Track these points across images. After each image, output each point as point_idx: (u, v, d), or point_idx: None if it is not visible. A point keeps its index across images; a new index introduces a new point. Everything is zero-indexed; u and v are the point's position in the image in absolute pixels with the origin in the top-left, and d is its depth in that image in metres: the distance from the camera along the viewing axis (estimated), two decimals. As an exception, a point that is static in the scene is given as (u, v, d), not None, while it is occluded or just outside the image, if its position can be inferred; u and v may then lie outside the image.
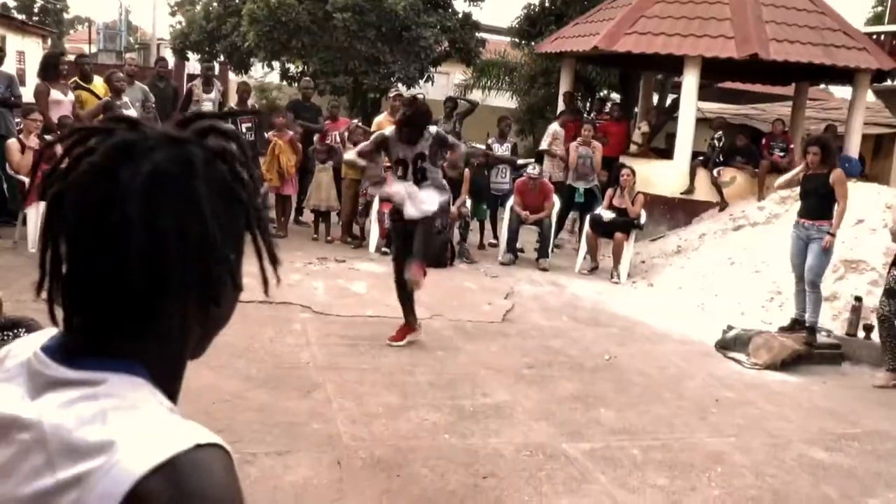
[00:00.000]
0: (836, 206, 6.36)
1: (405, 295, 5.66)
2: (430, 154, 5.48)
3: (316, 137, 9.64)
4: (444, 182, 5.71)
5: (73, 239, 0.76)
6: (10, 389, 0.76)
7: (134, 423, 0.70)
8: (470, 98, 10.98)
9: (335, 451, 3.88)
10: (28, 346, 0.80)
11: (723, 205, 10.49)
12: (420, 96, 7.69)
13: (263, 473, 3.58)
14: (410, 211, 5.40)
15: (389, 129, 5.62)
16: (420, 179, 5.49)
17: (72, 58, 10.16)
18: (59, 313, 0.81)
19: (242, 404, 4.31)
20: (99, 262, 0.74)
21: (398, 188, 5.47)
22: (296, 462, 3.72)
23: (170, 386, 0.81)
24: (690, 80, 10.73)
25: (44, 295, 0.79)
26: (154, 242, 0.73)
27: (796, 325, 6.62)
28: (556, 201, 9.46)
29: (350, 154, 5.68)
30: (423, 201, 5.41)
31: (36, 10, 38.87)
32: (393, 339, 5.64)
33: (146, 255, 0.73)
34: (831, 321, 7.01)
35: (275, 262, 0.87)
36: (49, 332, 0.82)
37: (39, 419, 0.70)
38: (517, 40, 17.13)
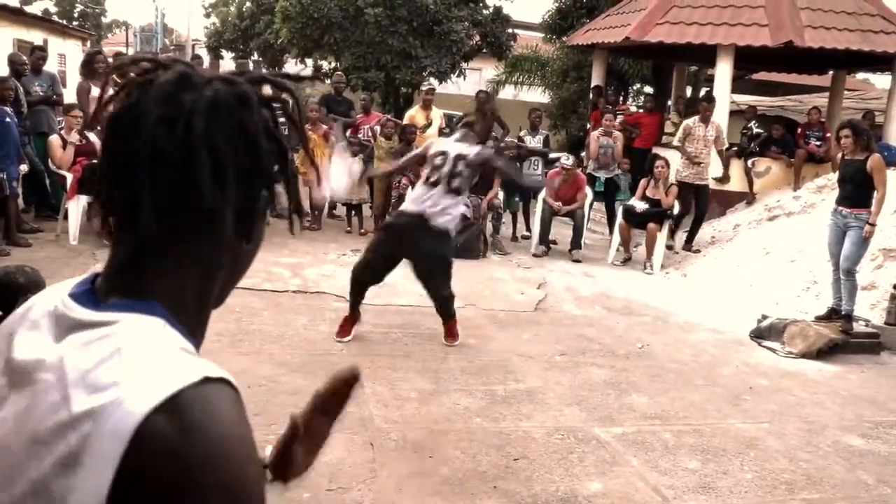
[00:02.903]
0: (875, 194, 6.26)
1: (361, 290, 5.44)
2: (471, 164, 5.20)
3: (348, 131, 9.72)
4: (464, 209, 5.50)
5: (129, 158, 0.77)
6: (35, 336, 0.80)
7: (143, 361, 0.72)
8: (504, 123, 10.89)
9: (368, 433, 3.94)
10: (53, 295, 0.83)
11: (751, 197, 10.40)
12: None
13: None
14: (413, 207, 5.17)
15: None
16: (451, 188, 5.16)
17: (111, 59, 10.36)
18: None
19: (277, 388, 4.38)
20: (155, 178, 0.76)
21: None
22: (329, 443, 3.77)
23: (193, 329, 0.82)
24: (724, 70, 10.62)
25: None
26: (212, 157, 0.77)
27: (833, 314, 6.54)
28: (589, 193, 9.44)
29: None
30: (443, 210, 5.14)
31: (76, 15, 39.66)
32: (340, 335, 5.36)
33: (210, 169, 0.77)
34: (870, 310, 6.90)
35: (299, 210, 0.91)
36: (75, 280, 0.85)
37: (60, 359, 0.74)
38: (549, 35, 17.10)
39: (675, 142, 9.56)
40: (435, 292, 5.36)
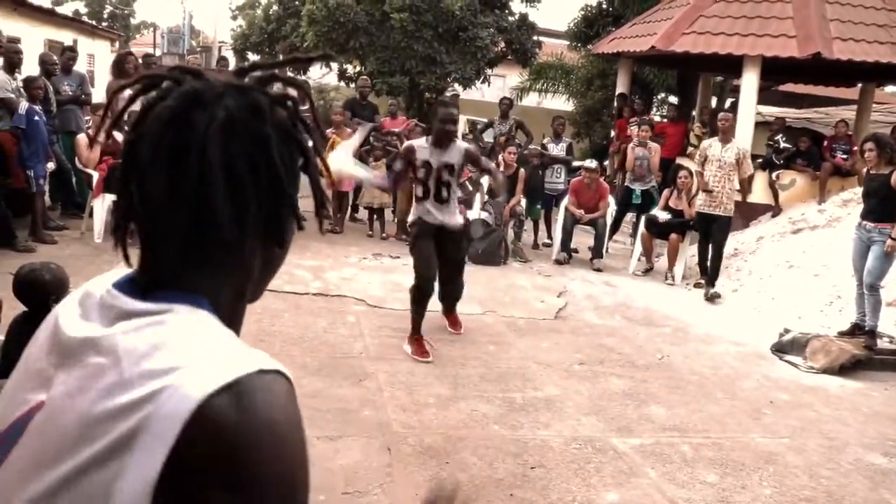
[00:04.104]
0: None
1: (423, 306, 5.34)
2: (458, 169, 5.34)
3: (372, 136, 9.75)
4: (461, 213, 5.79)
5: (148, 182, 0.79)
6: (85, 321, 0.81)
7: (201, 348, 0.74)
8: (529, 131, 10.87)
9: (385, 437, 3.95)
10: (101, 284, 0.85)
11: (776, 210, 10.30)
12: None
13: (315, 456, 3.65)
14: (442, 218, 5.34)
15: (417, 141, 5.53)
16: (442, 197, 5.30)
17: (140, 60, 10.49)
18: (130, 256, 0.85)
19: (296, 390, 4.39)
20: (176, 202, 0.78)
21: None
22: (347, 446, 3.79)
23: (231, 325, 0.84)
24: (750, 81, 10.53)
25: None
26: (231, 184, 0.78)
27: (857, 329, 6.47)
28: (612, 201, 9.41)
29: (370, 177, 5.75)
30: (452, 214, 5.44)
31: (105, 16, 40.16)
32: (423, 356, 5.23)
33: (227, 196, 0.77)
34: (894, 327, 6.81)
35: (323, 204, 0.91)
36: (120, 272, 0.86)
37: (114, 344, 0.75)
38: (574, 42, 17.08)
39: (696, 166, 8.31)
40: (454, 279, 5.61)
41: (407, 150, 5.43)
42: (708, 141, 8.39)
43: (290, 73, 18.05)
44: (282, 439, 0.72)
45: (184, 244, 0.80)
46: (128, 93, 0.86)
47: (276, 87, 0.87)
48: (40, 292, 2.88)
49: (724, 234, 8.18)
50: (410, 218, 5.54)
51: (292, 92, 0.88)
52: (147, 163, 0.78)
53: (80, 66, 11.15)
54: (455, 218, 5.45)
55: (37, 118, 7.23)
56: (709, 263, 8.18)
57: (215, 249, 0.80)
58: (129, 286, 0.82)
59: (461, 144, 5.43)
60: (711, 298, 7.89)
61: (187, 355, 0.73)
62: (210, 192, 0.77)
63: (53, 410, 0.77)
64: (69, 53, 9.19)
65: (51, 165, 7.62)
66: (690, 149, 11.35)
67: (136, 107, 0.84)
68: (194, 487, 0.69)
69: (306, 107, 0.92)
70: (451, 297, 5.73)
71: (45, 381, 0.80)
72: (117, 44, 24.86)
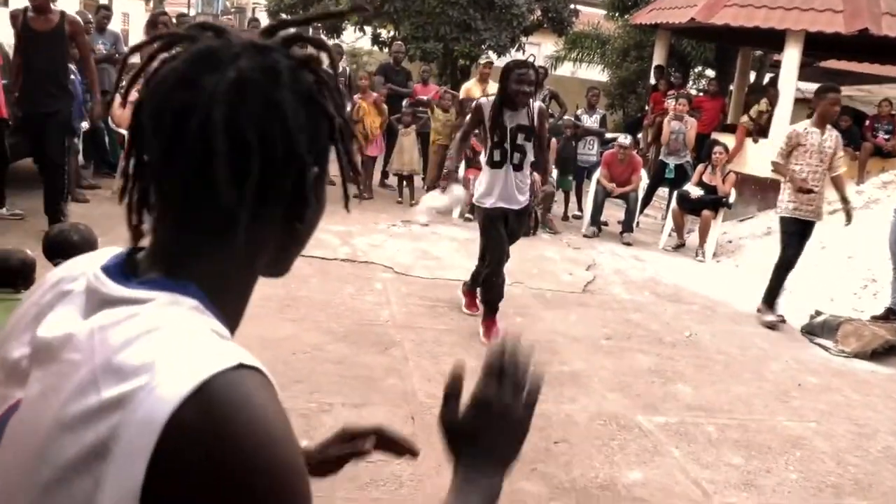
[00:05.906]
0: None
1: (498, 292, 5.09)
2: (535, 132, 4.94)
3: (405, 101, 9.69)
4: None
5: (152, 146, 0.75)
6: (66, 311, 0.76)
7: (174, 344, 0.68)
8: (563, 102, 10.66)
9: (409, 406, 3.95)
10: (87, 265, 0.80)
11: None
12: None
13: (338, 423, 3.61)
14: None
15: (485, 100, 5.06)
16: (515, 163, 4.93)
17: (174, 20, 10.47)
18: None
19: (321, 356, 4.42)
20: (178, 169, 0.73)
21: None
22: (370, 414, 3.79)
23: (232, 307, 0.79)
24: (792, 56, 10.28)
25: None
26: (236, 150, 0.71)
27: (891, 314, 6.35)
28: (644, 175, 9.29)
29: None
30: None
31: (140, -27, 40.11)
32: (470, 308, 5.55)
33: (228, 161, 0.71)
34: (929, 313, 6.67)
35: (356, 175, 0.84)
36: (110, 251, 0.82)
37: (89, 338, 0.70)
38: (611, 12, 16.79)
39: (778, 158, 6.31)
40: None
41: (476, 109, 4.99)
42: (802, 125, 6.37)
43: (323, 36, 17.92)
44: (264, 439, 0.67)
45: (182, 215, 0.76)
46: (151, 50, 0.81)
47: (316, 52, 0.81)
48: (69, 253, 2.88)
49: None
50: (479, 191, 5.06)
51: (319, 53, 0.81)
52: (151, 126, 0.74)
53: (115, 25, 11.18)
54: (525, 193, 5.04)
55: (72, 76, 7.25)
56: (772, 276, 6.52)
57: (215, 221, 0.74)
58: (117, 268, 0.77)
59: (536, 104, 5.01)
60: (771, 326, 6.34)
61: (159, 352, 0.67)
62: (211, 156, 0.71)
63: (28, 412, 0.72)
64: (104, 12, 9.22)
65: (84, 124, 7.66)
66: (744, 118, 10.98)
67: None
68: (179, 497, 0.65)
69: (339, 70, 0.87)
70: (497, 290, 5.12)
71: (22, 376, 0.75)
72: (152, 3, 24.87)
